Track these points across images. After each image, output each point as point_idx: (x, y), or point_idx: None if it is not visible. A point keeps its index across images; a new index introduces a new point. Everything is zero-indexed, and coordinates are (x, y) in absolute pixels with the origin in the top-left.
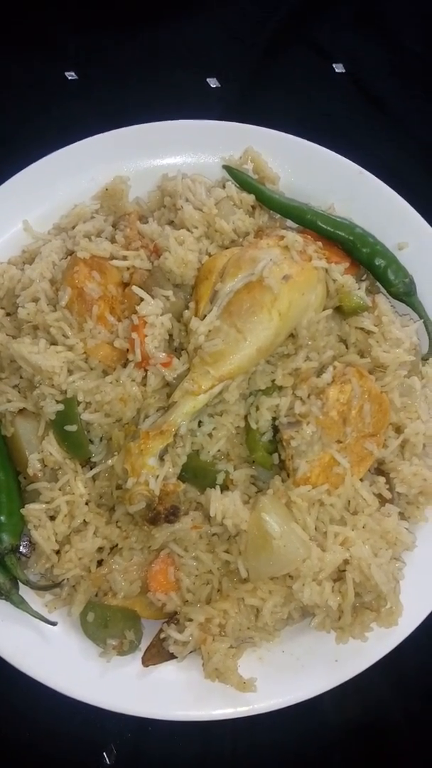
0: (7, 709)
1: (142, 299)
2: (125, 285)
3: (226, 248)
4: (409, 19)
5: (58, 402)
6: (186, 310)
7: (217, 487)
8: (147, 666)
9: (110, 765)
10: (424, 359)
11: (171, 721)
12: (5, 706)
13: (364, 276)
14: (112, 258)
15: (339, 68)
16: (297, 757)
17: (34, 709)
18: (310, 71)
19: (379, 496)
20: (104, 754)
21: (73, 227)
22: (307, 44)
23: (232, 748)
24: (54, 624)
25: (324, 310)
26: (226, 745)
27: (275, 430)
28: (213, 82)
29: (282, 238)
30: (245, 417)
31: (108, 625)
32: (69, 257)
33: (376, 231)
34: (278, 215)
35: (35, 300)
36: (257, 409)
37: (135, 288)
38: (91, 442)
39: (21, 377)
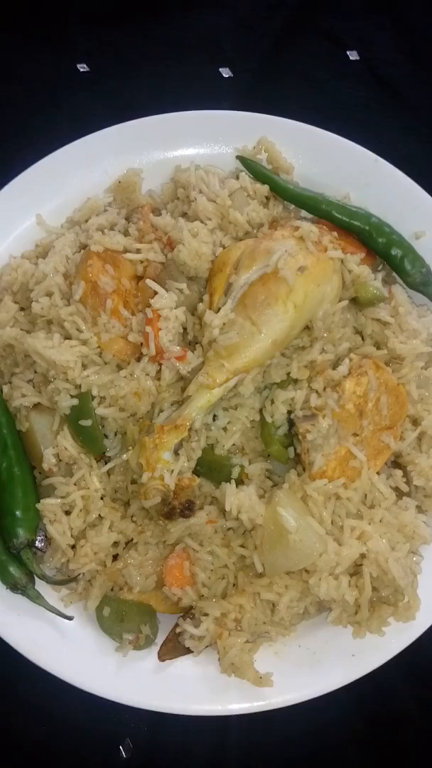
0: (23, 704)
1: (155, 292)
2: (139, 278)
3: (241, 240)
4: (423, 5)
5: (72, 397)
6: (200, 303)
7: (233, 482)
8: (163, 660)
9: (126, 759)
10: None
11: (187, 716)
12: (22, 700)
13: (381, 266)
14: (126, 251)
15: (353, 55)
16: (313, 750)
17: (50, 703)
18: (324, 59)
19: (396, 489)
20: (120, 748)
21: (86, 221)
22: (319, 31)
23: (248, 742)
24: (70, 618)
25: (340, 301)
26: (242, 740)
27: (291, 423)
28: (225, 72)
29: (297, 228)
30: (260, 410)
31: (124, 619)
32: (82, 251)
33: (393, 220)
34: (293, 206)
35: (49, 294)
36: (272, 402)
37: (149, 281)
38: (106, 436)
39: (35, 372)
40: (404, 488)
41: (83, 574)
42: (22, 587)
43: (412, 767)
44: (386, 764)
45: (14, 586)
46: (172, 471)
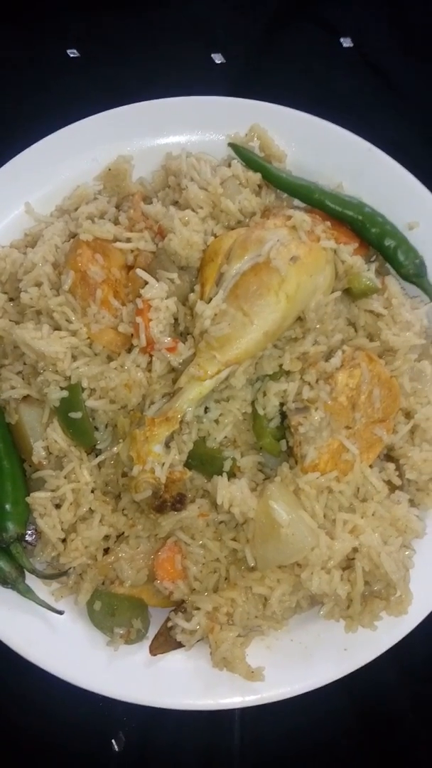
0: (14, 698)
1: (146, 282)
2: (129, 268)
3: (232, 229)
4: None
5: (62, 389)
6: (191, 293)
7: (224, 475)
8: (154, 655)
9: (118, 752)
10: None
11: (179, 710)
12: (13, 694)
13: (374, 257)
14: (116, 240)
15: (346, 42)
16: (305, 744)
17: (41, 697)
18: (317, 46)
19: (389, 482)
20: (112, 741)
21: (76, 209)
22: (313, 18)
23: (240, 736)
24: (61, 613)
25: (332, 292)
26: (235, 734)
27: (283, 416)
28: (218, 58)
29: (289, 218)
30: (252, 403)
31: (115, 613)
32: (72, 240)
33: (386, 210)
34: (285, 194)
35: (38, 284)
36: (264, 394)
37: (139, 271)
38: (96, 429)
39: (24, 363)
40: (397, 482)
41: (74, 568)
42: (12, 581)
43: (405, 761)
44: (379, 758)
45: (4, 581)
46: (163, 464)
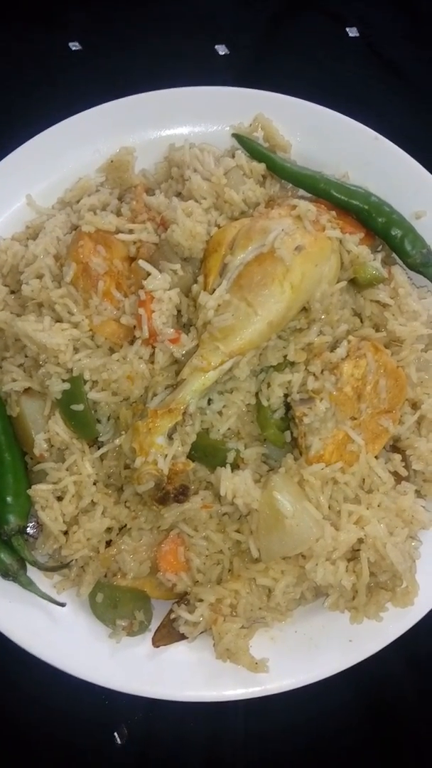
0: (16, 691)
1: (149, 274)
2: (132, 259)
3: (236, 219)
4: None
5: (64, 381)
6: (194, 285)
7: (228, 466)
8: (157, 646)
9: (121, 745)
10: None
11: (182, 702)
12: (15, 687)
13: (380, 246)
14: (118, 232)
15: (352, 32)
16: (309, 737)
17: (43, 690)
18: (323, 36)
19: (395, 473)
20: (115, 734)
21: (78, 201)
22: (318, 8)
23: (244, 728)
24: (63, 605)
25: (338, 282)
26: (238, 726)
27: (287, 407)
28: (222, 50)
29: (294, 207)
30: (256, 394)
31: (117, 605)
32: (74, 232)
33: (392, 199)
34: (290, 184)
35: (39, 276)
36: (269, 385)
37: (142, 262)
38: (98, 421)
39: (26, 356)
40: (403, 472)
41: (76, 560)
42: (14, 574)
43: (409, 754)
44: (385, 752)
45: (5, 573)
46: (166, 456)
